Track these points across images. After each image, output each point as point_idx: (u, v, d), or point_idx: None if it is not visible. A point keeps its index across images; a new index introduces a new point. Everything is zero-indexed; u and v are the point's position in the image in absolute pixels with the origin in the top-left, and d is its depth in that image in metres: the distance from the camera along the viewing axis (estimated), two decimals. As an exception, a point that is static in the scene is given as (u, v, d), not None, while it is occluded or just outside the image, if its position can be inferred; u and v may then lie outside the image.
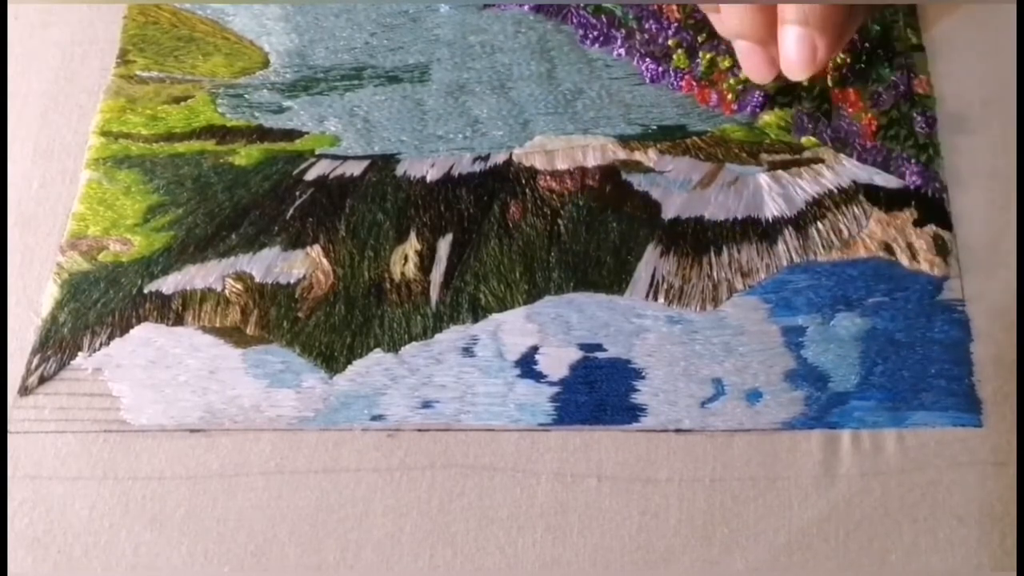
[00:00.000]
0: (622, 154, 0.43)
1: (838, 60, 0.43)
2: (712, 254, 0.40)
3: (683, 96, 0.44)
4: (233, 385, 0.39)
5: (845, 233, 0.40)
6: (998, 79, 0.43)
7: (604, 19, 0.46)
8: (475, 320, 0.40)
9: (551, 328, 0.39)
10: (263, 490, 0.37)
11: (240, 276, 0.41)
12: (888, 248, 0.40)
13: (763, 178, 0.42)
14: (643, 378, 0.38)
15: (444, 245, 0.41)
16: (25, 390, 0.39)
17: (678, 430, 0.37)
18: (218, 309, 0.40)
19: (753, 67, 0.39)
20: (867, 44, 0.42)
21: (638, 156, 0.43)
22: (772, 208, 0.41)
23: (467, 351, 0.39)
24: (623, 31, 0.45)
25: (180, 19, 0.47)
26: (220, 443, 0.38)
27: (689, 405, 0.38)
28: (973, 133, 0.42)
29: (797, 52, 0.36)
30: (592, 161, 0.43)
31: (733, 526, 0.36)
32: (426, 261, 0.41)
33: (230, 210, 0.42)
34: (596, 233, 0.41)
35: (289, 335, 0.40)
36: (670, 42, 0.45)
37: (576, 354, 0.39)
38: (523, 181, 0.42)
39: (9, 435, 0.38)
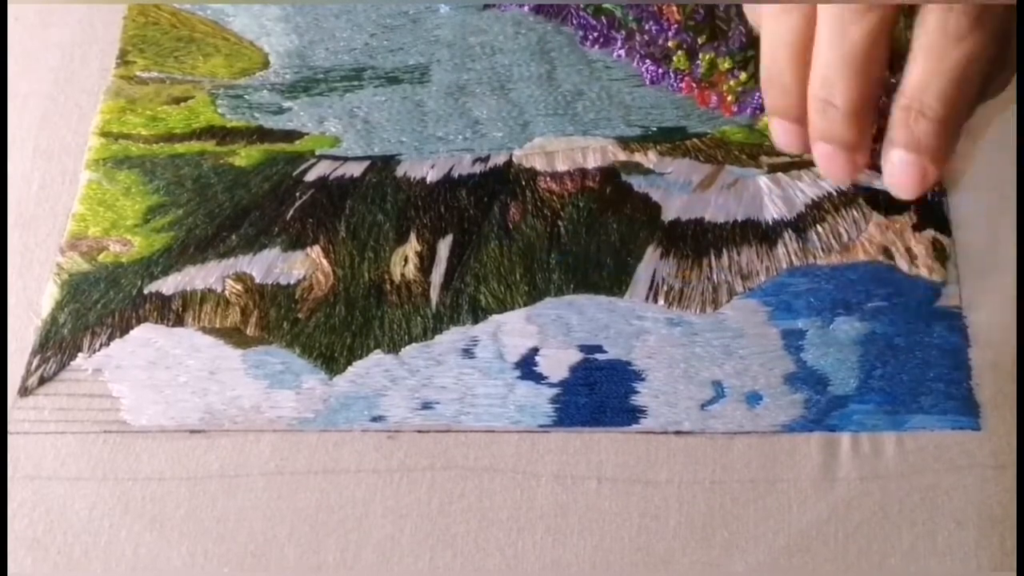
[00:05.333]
0: (622, 156, 0.43)
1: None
2: (712, 256, 0.40)
3: (683, 98, 0.44)
4: (233, 386, 0.39)
5: (844, 236, 0.40)
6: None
7: (604, 20, 0.46)
8: (475, 321, 0.40)
9: (551, 330, 0.39)
10: (263, 491, 0.37)
11: (240, 277, 0.41)
12: (887, 252, 0.40)
13: (763, 180, 0.42)
14: (643, 380, 0.38)
15: (444, 246, 0.41)
16: (25, 391, 0.39)
17: (678, 432, 0.37)
18: (218, 310, 0.40)
19: (834, 170, 0.36)
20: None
21: (638, 158, 0.43)
22: (772, 211, 0.41)
23: (467, 352, 0.39)
24: (623, 32, 0.45)
25: (180, 20, 0.47)
26: (220, 444, 0.38)
27: (689, 407, 0.38)
28: (972, 138, 0.42)
29: (907, 177, 0.34)
30: (592, 163, 0.43)
31: (733, 528, 0.36)
32: (426, 262, 0.41)
33: (230, 211, 0.42)
34: (596, 235, 0.41)
35: (289, 336, 0.40)
36: (670, 44, 0.45)
37: (576, 356, 0.39)
38: (523, 182, 0.42)
39: (9, 435, 0.38)
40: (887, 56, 0.33)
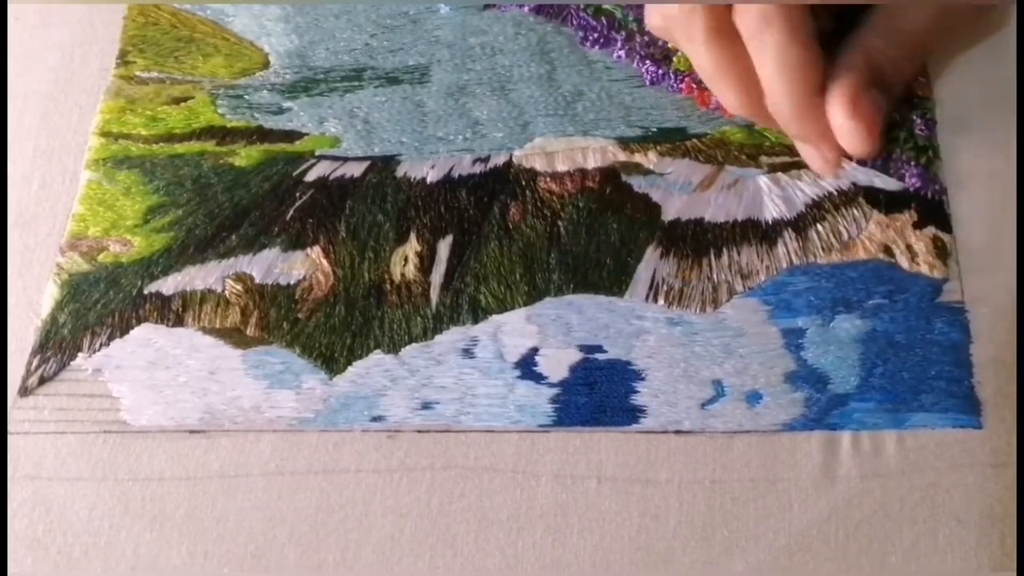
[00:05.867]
0: (622, 156, 0.43)
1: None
2: (712, 256, 0.40)
3: (683, 98, 0.44)
4: (233, 386, 0.39)
5: (845, 235, 0.40)
6: (997, 81, 0.43)
7: (604, 21, 0.46)
8: (475, 321, 0.40)
9: (551, 329, 0.39)
10: (263, 491, 0.37)
11: (240, 277, 0.41)
12: (888, 250, 0.40)
13: (763, 180, 0.42)
14: (643, 379, 0.38)
15: (444, 246, 0.41)
16: (25, 391, 0.39)
17: (678, 431, 0.37)
18: (218, 310, 0.40)
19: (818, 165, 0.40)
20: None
21: (638, 158, 0.43)
22: (772, 210, 0.41)
23: (467, 352, 0.39)
24: (623, 33, 0.45)
25: (180, 20, 0.47)
26: (220, 444, 0.38)
27: (689, 407, 0.38)
28: (973, 135, 0.42)
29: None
30: (592, 163, 0.43)
31: (733, 528, 0.36)
32: (426, 262, 0.41)
33: (230, 211, 0.42)
34: (596, 235, 0.41)
35: (289, 336, 0.40)
36: (670, 44, 0.45)
37: (576, 355, 0.39)
38: (523, 183, 0.42)
39: (9, 435, 0.38)
40: (812, 59, 0.36)
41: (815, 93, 0.37)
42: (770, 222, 0.41)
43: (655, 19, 0.40)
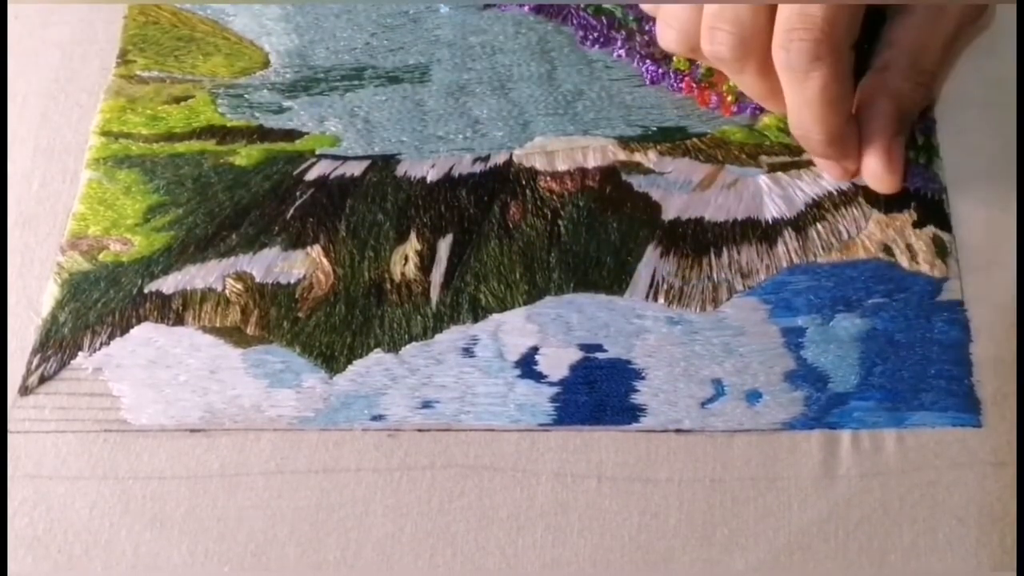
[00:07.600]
0: (622, 155, 0.43)
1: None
2: (712, 255, 0.40)
3: (683, 98, 0.44)
4: (233, 385, 0.39)
5: (844, 234, 0.40)
6: (998, 80, 0.43)
7: (604, 20, 0.46)
8: (475, 320, 0.40)
9: (551, 328, 0.39)
10: (263, 490, 0.37)
11: (240, 276, 0.41)
12: (887, 249, 0.40)
13: (763, 180, 0.42)
14: (643, 378, 0.38)
15: (444, 245, 0.41)
16: (25, 390, 0.39)
17: (678, 430, 0.37)
18: (218, 309, 0.40)
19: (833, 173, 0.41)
20: (867, 46, 0.42)
21: (638, 157, 0.43)
22: (772, 209, 0.41)
23: (467, 351, 0.39)
24: (623, 32, 0.45)
25: (180, 19, 0.47)
26: (220, 443, 0.38)
27: (689, 405, 0.38)
28: (973, 134, 0.42)
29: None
30: (592, 162, 0.43)
31: (733, 526, 0.36)
32: (426, 261, 0.41)
33: (230, 210, 0.42)
34: (596, 234, 0.41)
35: (289, 335, 0.40)
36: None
37: (576, 354, 0.39)
38: (523, 182, 0.42)
39: (9, 435, 0.38)
40: (848, 92, 0.37)
41: (849, 122, 0.37)
42: (770, 221, 0.41)
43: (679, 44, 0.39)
